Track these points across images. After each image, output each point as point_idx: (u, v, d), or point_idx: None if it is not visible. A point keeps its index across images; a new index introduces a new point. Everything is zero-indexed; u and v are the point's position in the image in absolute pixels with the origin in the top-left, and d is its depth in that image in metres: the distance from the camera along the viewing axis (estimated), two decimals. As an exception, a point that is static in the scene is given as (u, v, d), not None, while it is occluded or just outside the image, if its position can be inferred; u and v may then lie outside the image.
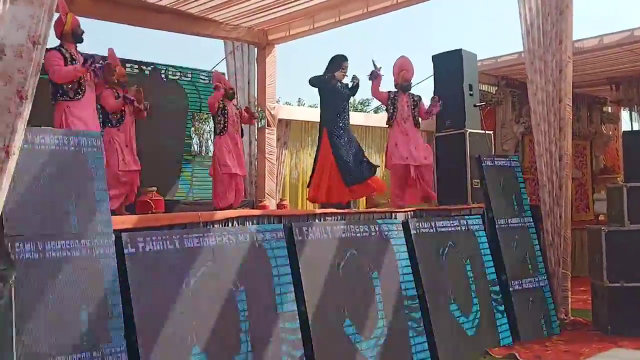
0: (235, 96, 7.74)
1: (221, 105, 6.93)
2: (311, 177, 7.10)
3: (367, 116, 12.25)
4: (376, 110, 19.07)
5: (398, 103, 7.16)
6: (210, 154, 8.72)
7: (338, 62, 7.00)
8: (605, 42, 8.62)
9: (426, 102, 7.36)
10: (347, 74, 7.03)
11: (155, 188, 6.16)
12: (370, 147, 10.40)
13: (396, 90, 7.30)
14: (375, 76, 7.10)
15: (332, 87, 6.89)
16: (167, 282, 3.88)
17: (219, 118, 6.93)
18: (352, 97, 7.24)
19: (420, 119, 7.31)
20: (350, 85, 7.06)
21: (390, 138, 7.26)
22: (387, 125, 7.33)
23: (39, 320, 3.27)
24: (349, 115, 7.01)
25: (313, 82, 6.95)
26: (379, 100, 7.38)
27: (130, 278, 3.72)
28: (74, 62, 5.59)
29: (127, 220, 4.15)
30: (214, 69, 8.86)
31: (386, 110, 7.31)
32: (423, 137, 7.58)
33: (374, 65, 7.14)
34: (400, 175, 7.14)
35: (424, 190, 7.16)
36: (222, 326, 4.04)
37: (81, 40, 5.77)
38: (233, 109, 7.10)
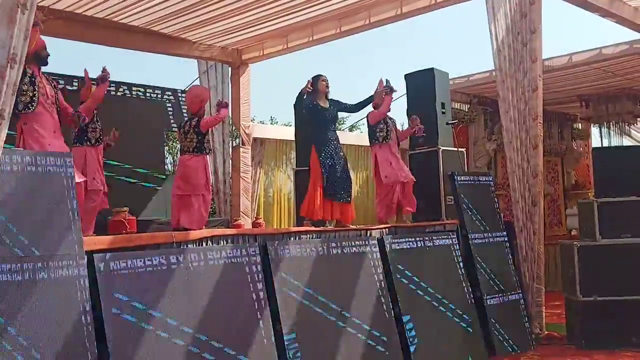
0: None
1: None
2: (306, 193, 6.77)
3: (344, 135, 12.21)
4: (351, 129, 19.06)
5: (390, 124, 7.12)
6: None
7: (316, 79, 6.64)
8: (574, 60, 8.79)
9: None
10: (328, 86, 6.69)
11: (127, 208, 6.10)
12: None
13: None
14: (393, 90, 7.00)
15: (314, 104, 6.57)
16: (140, 303, 3.84)
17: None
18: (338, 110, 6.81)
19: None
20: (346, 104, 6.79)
21: (381, 156, 7.01)
22: (374, 144, 7.09)
23: (12, 341, 3.21)
24: (335, 130, 6.73)
25: (301, 105, 6.67)
26: (379, 118, 7.08)
27: (103, 299, 3.67)
28: (34, 85, 4.88)
29: (99, 241, 4.10)
30: (188, 88, 8.83)
31: (378, 129, 7.04)
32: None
33: (388, 82, 7.04)
34: (389, 192, 7.06)
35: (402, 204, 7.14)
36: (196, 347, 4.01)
37: (46, 63, 5.16)
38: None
